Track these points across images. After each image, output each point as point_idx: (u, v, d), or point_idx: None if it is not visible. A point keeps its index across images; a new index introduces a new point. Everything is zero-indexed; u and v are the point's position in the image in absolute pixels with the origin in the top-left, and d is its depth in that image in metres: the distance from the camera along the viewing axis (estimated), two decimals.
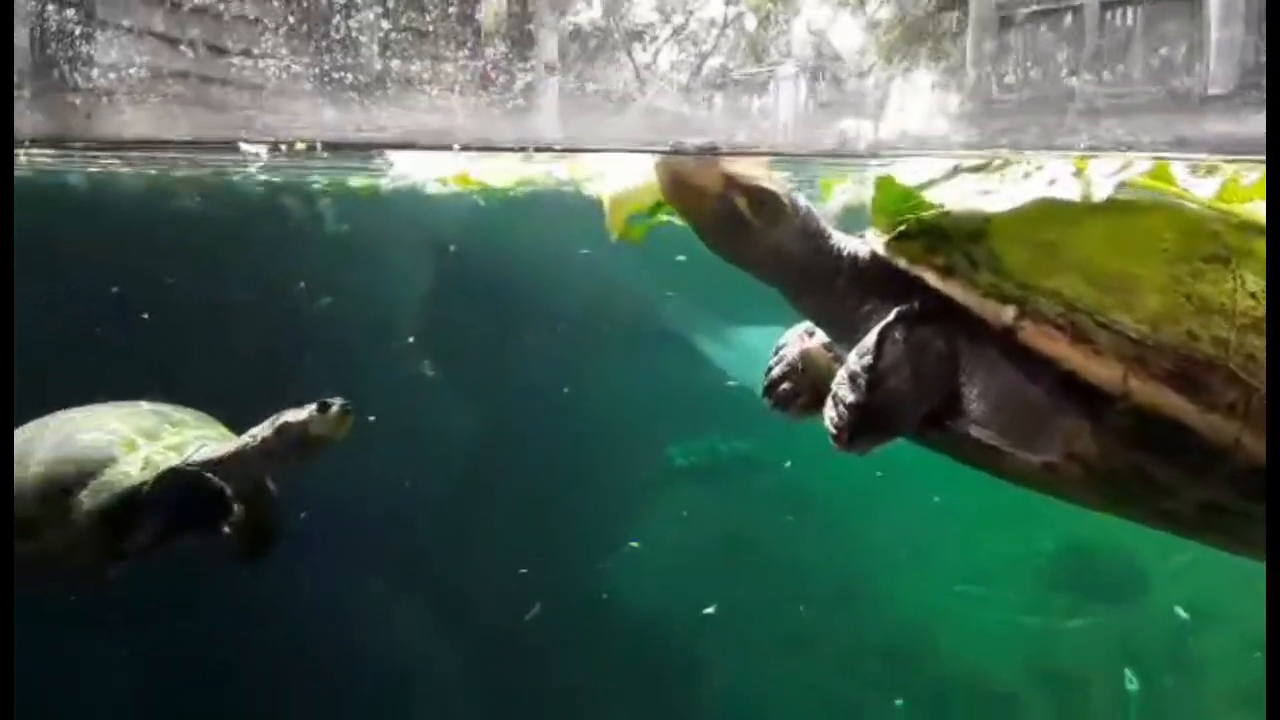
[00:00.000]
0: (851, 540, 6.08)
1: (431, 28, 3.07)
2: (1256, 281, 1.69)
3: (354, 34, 2.40)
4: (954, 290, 1.76)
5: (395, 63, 2.69)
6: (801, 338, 2.25)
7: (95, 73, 1.96)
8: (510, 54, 3.22)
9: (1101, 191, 1.76)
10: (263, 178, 4.57)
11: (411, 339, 5.19)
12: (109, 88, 1.96)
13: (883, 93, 3.69)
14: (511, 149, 3.29)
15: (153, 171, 4.23)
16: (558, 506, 5.46)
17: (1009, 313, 1.71)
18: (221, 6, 2.11)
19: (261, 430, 3.21)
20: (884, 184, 1.87)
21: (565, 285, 5.37)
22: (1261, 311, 1.66)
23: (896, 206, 1.85)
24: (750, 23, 3.75)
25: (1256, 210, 1.79)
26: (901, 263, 1.83)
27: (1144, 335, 1.66)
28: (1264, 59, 2.73)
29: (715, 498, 6.20)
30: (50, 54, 1.90)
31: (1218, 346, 1.65)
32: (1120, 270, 1.72)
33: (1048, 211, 1.81)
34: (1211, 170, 1.88)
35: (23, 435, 3.33)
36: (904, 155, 3.68)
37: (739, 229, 1.86)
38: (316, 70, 2.29)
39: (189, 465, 3.19)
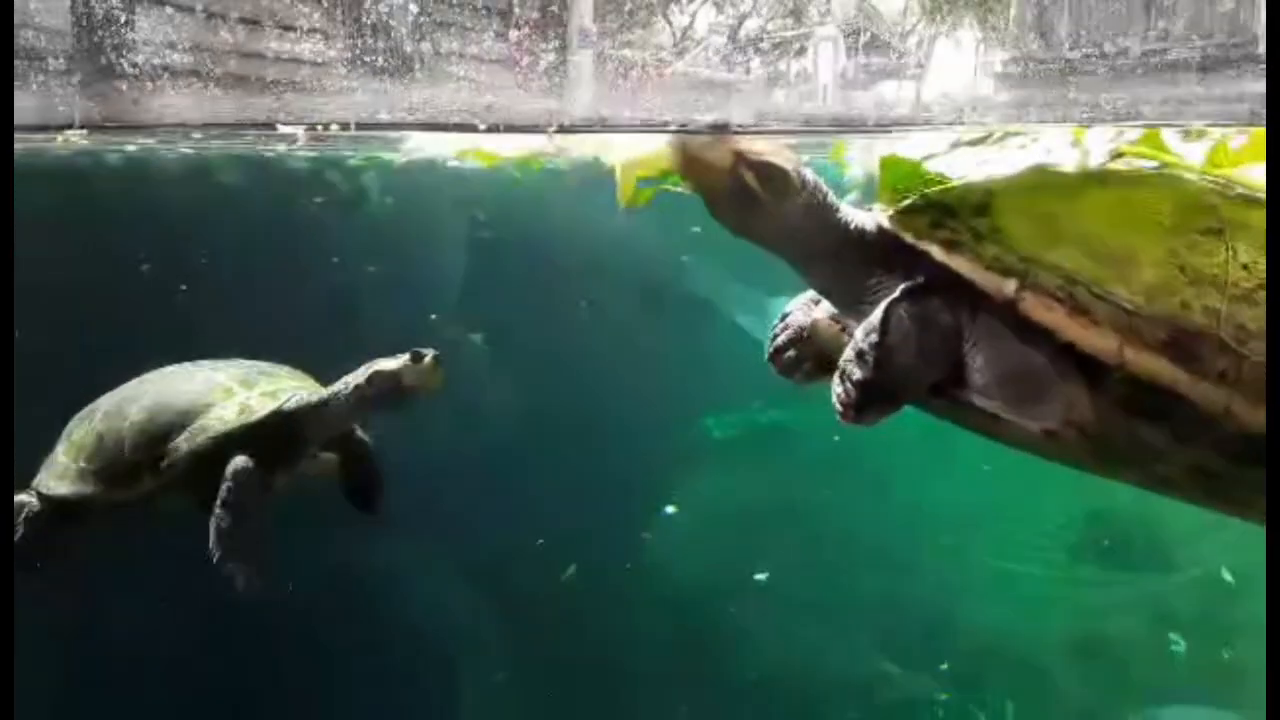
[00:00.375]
0: (890, 510, 6.11)
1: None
2: (1248, 253, 1.73)
3: (384, 17, 2.49)
4: (958, 264, 1.82)
5: (425, 44, 2.78)
6: (807, 305, 2.31)
7: (140, 58, 2.09)
8: (544, 20, 3.27)
9: (1094, 160, 1.81)
10: (302, 154, 4.72)
11: (449, 310, 5.33)
12: (153, 73, 2.09)
13: (925, 53, 3.65)
14: (541, 129, 3.35)
15: (188, 151, 4.40)
16: (595, 477, 5.58)
17: (1011, 285, 1.77)
18: None
19: (354, 379, 3.22)
20: (889, 162, 1.93)
21: (601, 256, 5.43)
22: (1253, 283, 1.70)
23: (903, 183, 1.91)
24: None
25: (1254, 178, 1.81)
26: (908, 237, 1.89)
27: (1139, 306, 1.71)
28: None
29: (752, 468, 6.27)
30: (97, 40, 2.03)
31: (1209, 317, 1.69)
32: (1118, 243, 1.76)
33: (1048, 184, 1.86)
34: (1201, 135, 1.90)
35: (119, 393, 3.46)
36: (941, 125, 3.64)
37: (749, 203, 1.92)
38: (350, 53, 2.39)
39: (284, 410, 3.24)
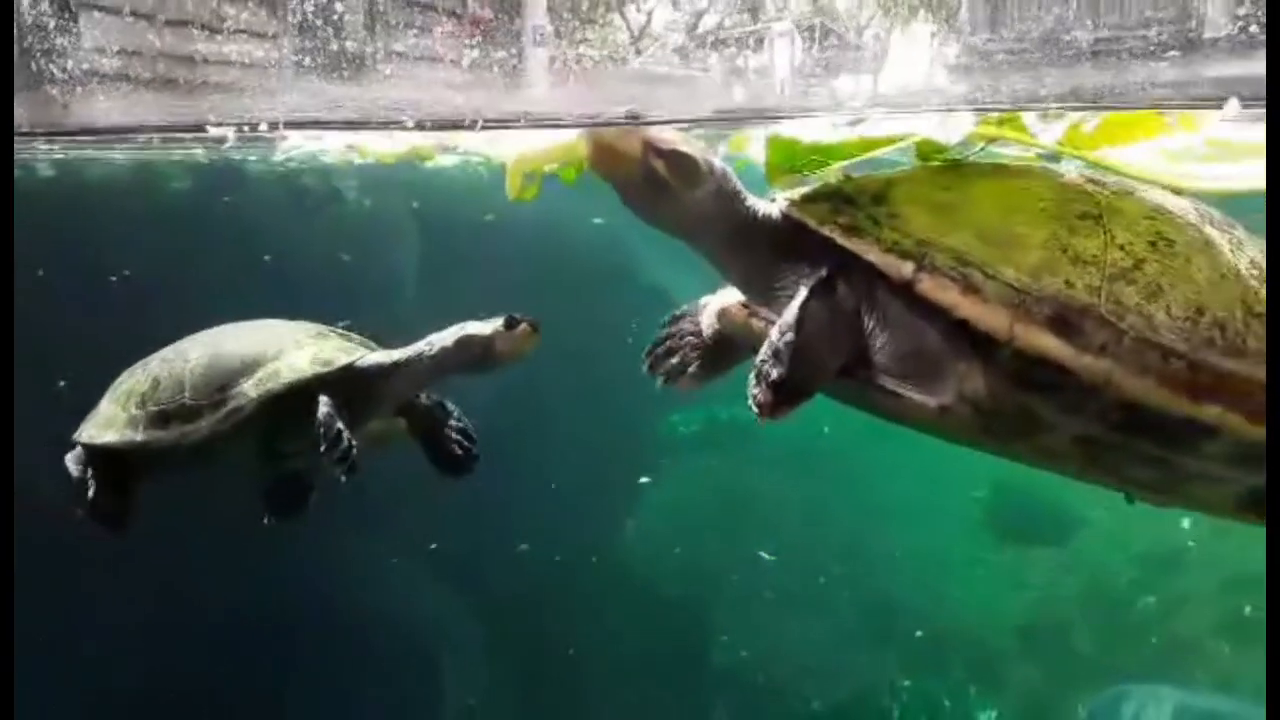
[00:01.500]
0: (849, 501, 6.23)
1: None
2: (1124, 236, 1.84)
3: (337, 13, 2.57)
4: (858, 247, 1.92)
5: (378, 41, 2.86)
6: (693, 311, 2.43)
7: (70, 64, 2.17)
8: (497, 17, 3.34)
9: (953, 139, 1.94)
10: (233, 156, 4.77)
11: (410, 309, 5.42)
12: (82, 78, 2.17)
13: (881, 46, 3.73)
14: (498, 125, 3.41)
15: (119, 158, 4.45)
16: (564, 477, 5.66)
17: (908, 267, 1.87)
18: None
19: (440, 339, 3.09)
20: (775, 143, 2.03)
21: (563, 255, 5.52)
22: (1129, 262, 1.80)
23: (788, 162, 2.01)
24: None
25: (1116, 161, 1.94)
26: (811, 222, 1.99)
27: (1026, 285, 1.81)
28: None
29: (716, 464, 6.40)
30: (27, 47, 2.12)
31: (1091, 294, 1.79)
32: (1005, 228, 1.87)
33: (941, 174, 1.96)
34: (1059, 117, 2.02)
35: (173, 346, 3.34)
36: (898, 113, 3.70)
37: (659, 191, 2.02)
38: (290, 51, 2.47)
39: (359, 364, 3.13)
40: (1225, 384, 1.76)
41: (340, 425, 2.93)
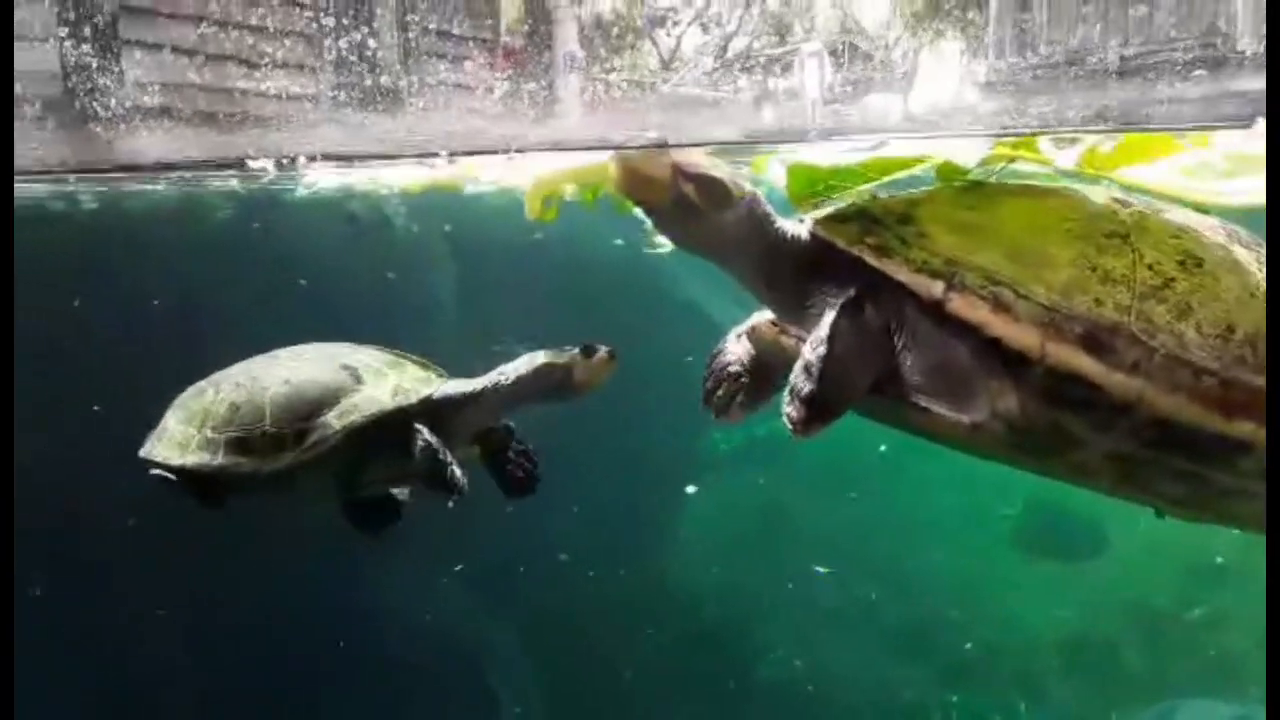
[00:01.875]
0: (887, 515, 6.21)
1: (450, 27, 3.29)
2: (1152, 255, 1.86)
3: (370, 48, 2.65)
4: (889, 267, 1.96)
5: (412, 74, 2.93)
6: (731, 343, 2.47)
7: (113, 102, 2.26)
8: (529, 46, 3.40)
9: (970, 161, 1.98)
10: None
11: (445, 329, 5.50)
12: (125, 115, 2.26)
13: (910, 65, 3.75)
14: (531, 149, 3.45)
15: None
16: (607, 496, 5.70)
17: (939, 286, 1.91)
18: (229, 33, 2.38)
19: (515, 369, 3.13)
20: (794, 170, 2.07)
21: (601, 276, 5.58)
22: (1158, 281, 1.83)
23: (809, 188, 2.06)
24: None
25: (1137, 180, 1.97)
26: (840, 243, 2.03)
27: (1056, 303, 1.84)
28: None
29: (756, 480, 6.41)
30: (71, 87, 2.21)
31: (1121, 312, 1.82)
32: (1033, 247, 1.90)
33: (964, 194, 2.00)
34: (1074, 140, 2.05)
35: (244, 368, 3.37)
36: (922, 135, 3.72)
37: (689, 215, 2.08)
38: (326, 86, 2.55)
39: (438, 396, 3.16)
40: (1258, 401, 1.77)
41: (444, 451, 2.99)
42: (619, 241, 5.61)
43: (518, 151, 3.02)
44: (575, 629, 5.82)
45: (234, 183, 4.57)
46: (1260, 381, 1.78)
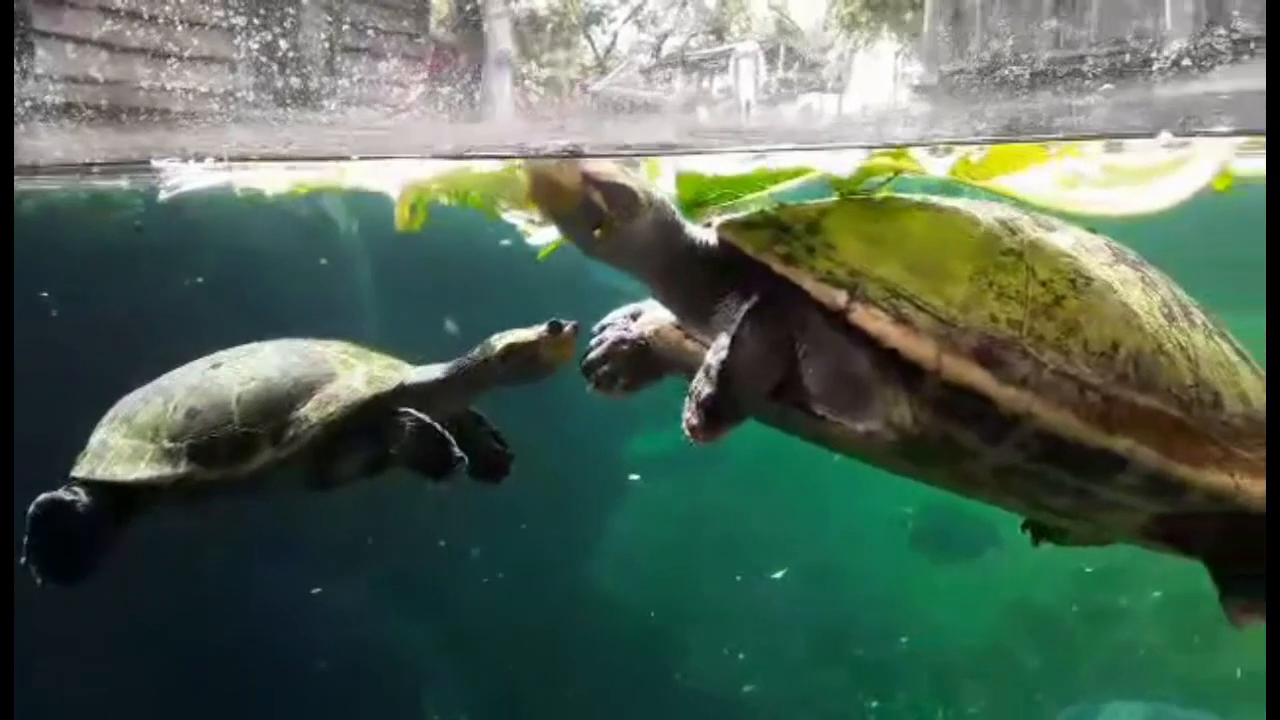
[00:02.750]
0: (815, 519, 6.32)
1: (379, 25, 3.26)
2: (1044, 272, 1.92)
3: (282, 49, 2.61)
4: (795, 275, 1.99)
5: (340, 77, 2.90)
6: (625, 320, 2.50)
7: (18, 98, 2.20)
8: (459, 43, 3.37)
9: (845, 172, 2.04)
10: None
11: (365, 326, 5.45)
12: (24, 115, 2.22)
13: (845, 65, 3.79)
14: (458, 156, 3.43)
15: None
16: (531, 499, 5.70)
17: (842, 296, 1.94)
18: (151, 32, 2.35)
19: (484, 351, 3.07)
20: (683, 179, 2.11)
21: (523, 283, 5.57)
22: (1049, 298, 1.89)
23: (698, 196, 2.10)
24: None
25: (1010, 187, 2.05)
26: (749, 249, 2.07)
27: (954, 317, 1.89)
28: (1210, 18, 2.87)
29: (681, 484, 6.48)
30: None
31: (1014, 328, 1.87)
32: (934, 261, 1.94)
33: (871, 207, 2.05)
34: (949, 150, 2.11)
35: (189, 373, 3.23)
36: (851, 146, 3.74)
37: (597, 223, 2.10)
38: (244, 84, 2.53)
39: (411, 381, 3.10)
40: (1138, 417, 1.84)
41: (438, 427, 2.93)
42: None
43: (446, 158, 3.00)
44: (495, 635, 5.83)
45: (125, 183, 4.44)
46: (1142, 399, 1.85)
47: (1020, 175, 2.12)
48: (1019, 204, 2.14)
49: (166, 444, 3.05)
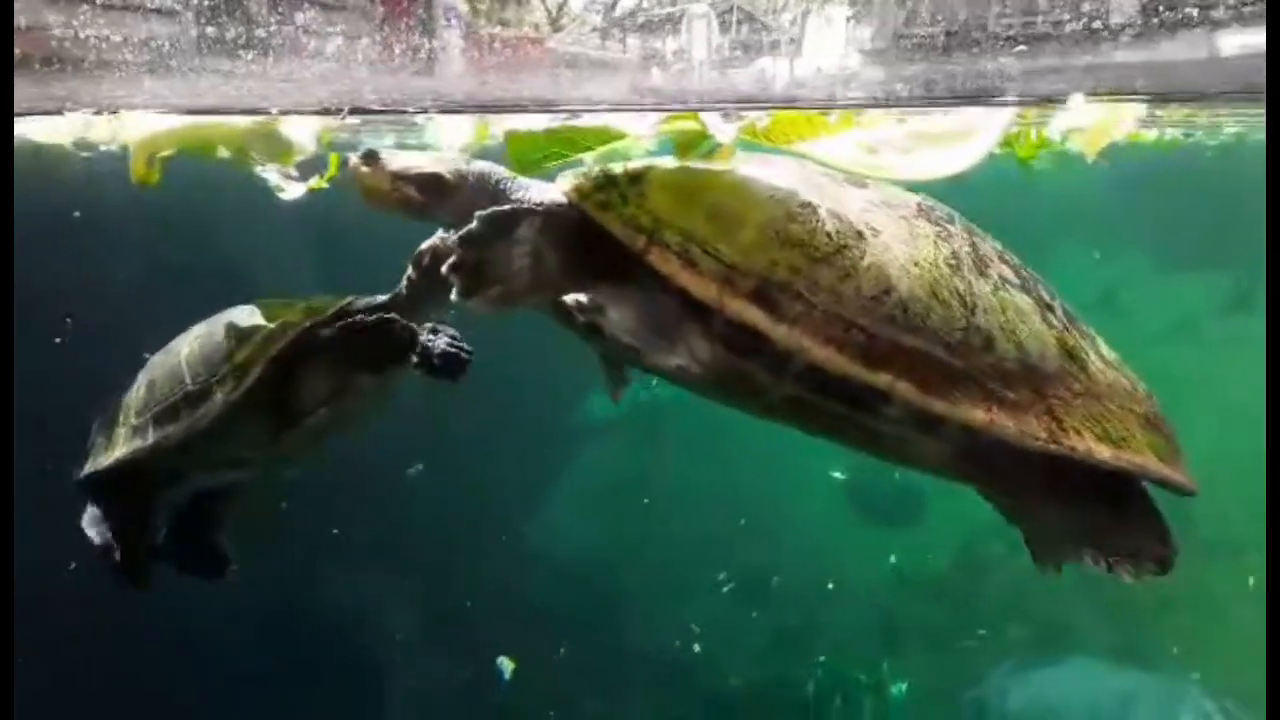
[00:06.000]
0: (753, 480, 6.51)
1: None
2: (833, 224, 2.17)
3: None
4: (604, 219, 2.27)
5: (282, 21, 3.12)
6: (435, 245, 2.78)
7: None
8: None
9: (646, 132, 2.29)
10: None
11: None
12: None
13: (799, 29, 3.97)
14: (413, 110, 3.64)
15: None
16: (483, 463, 5.95)
17: (641, 240, 2.22)
18: None
19: (407, 273, 3.06)
20: (513, 138, 2.38)
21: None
22: (832, 248, 2.14)
23: (530, 154, 2.37)
24: None
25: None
26: (573, 196, 2.35)
27: (736, 262, 2.15)
28: None
29: (634, 445, 6.72)
30: None
31: (793, 273, 2.13)
32: (733, 211, 2.21)
33: (697, 169, 2.32)
34: (741, 117, 2.34)
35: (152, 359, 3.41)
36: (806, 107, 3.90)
37: (422, 207, 2.48)
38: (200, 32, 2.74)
39: (354, 307, 3.21)
40: (898, 355, 2.08)
41: (421, 329, 3.02)
42: None
43: (395, 109, 3.20)
44: (446, 596, 6.08)
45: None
46: (905, 339, 2.09)
47: (824, 140, 2.35)
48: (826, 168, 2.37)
49: (134, 421, 3.28)
